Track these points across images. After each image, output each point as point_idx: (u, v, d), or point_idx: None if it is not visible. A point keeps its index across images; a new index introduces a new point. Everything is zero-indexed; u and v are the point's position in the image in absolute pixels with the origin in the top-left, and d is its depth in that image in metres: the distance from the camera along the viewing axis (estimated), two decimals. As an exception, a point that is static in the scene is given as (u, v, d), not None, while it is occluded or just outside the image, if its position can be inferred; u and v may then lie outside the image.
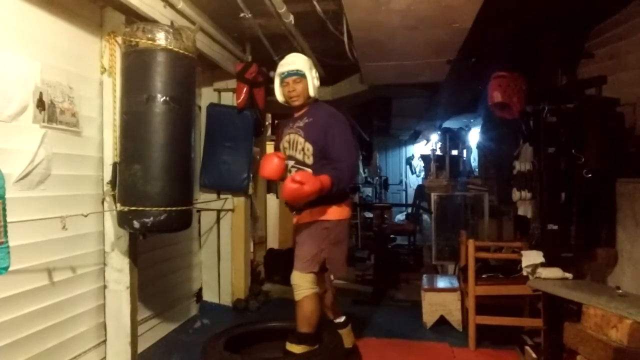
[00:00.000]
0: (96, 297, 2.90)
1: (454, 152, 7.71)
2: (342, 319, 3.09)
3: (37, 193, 2.39)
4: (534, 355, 2.94)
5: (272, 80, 2.95)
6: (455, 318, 3.82)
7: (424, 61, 4.13)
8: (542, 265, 2.80)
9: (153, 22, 2.85)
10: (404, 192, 13.14)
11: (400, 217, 10.17)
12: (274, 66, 2.86)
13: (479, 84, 3.98)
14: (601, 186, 2.85)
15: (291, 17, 3.47)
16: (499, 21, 3.24)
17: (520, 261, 2.98)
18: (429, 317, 3.89)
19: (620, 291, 2.36)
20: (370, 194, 10.35)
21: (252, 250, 5.02)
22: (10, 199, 1.98)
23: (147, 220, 2.64)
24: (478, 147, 6.76)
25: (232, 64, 4.25)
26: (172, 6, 3.07)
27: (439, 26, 3.27)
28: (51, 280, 2.52)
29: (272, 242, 6.12)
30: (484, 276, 3.54)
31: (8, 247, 1.92)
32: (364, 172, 10.31)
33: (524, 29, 3.20)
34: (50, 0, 2.49)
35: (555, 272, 2.72)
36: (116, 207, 2.74)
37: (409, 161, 13.06)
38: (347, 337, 3.06)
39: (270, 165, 2.83)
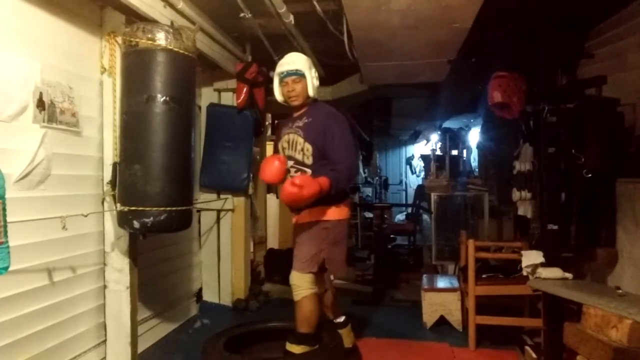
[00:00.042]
0: (96, 297, 2.90)
1: (454, 152, 7.72)
2: (341, 318, 3.09)
3: (37, 193, 2.39)
4: (534, 355, 2.94)
5: (272, 80, 2.94)
6: (455, 318, 3.82)
7: (424, 61, 4.13)
8: (542, 265, 2.80)
9: (153, 22, 2.85)
10: (404, 192, 13.15)
11: (400, 217, 10.18)
12: (274, 66, 2.85)
13: (479, 84, 3.98)
14: (601, 186, 2.85)
15: (291, 17, 3.47)
16: (499, 21, 3.24)
17: (520, 261, 2.97)
18: (429, 317, 3.89)
19: (620, 291, 2.36)
20: (370, 194, 10.35)
21: (252, 250, 5.03)
22: (10, 199, 1.98)
23: (147, 220, 2.64)
24: (478, 147, 6.77)
25: (232, 64, 4.25)
26: (172, 6, 3.07)
27: (439, 26, 3.27)
28: (51, 280, 2.52)
29: (272, 242, 6.12)
30: (484, 276, 3.54)
31: (8, 247, 1.92)
32: (364, 172, 10.31)
33: (524, 29, 3.20)
34: (50, 0, 2.49)
35: (555, 272, 2.71)
36: (116, 207, 2.74)
37: (409, 161, 13.07)
38: (346, 336, 3.06)
39: (271, 168, 2.79)
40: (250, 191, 4.56)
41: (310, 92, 2.80)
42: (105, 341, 2.95)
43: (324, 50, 4.32)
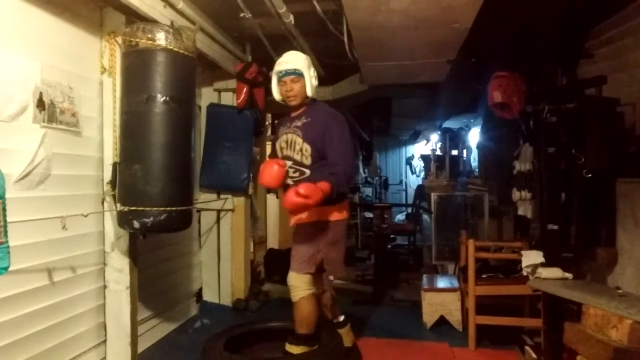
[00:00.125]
0: (96, 297, 2.90)
1: (454, 152, 7.71)
2: (341, 318, 3.09)
3: (37, 193, 2.39)
4: (534, 355, 2.94)
5: (271, 80, 2.93)
6: (455, 318, 3.82)
7: (424, 61, 4.13)
8: (542, 265, 2.80)
9: (153, 22, 2.85)
10: (404, 192, 13.16)
11: (400, 217, 10.18)
12: (273, 66, 2.85)
13: (479, 84, 3.98)
14: (601, 186, 2.85)
15: (291, 17, 3.47)
16: (499, 21, 3.24)
17: (520, 261, 2.97)
18: (429, 317, 3.89)
19: (620, 291, 2.36)
20: (370, 194, 10.35)
21: (252, 250, 5.03)
22: (10, 199, 1.98)
23: (147, 220, 2.64)
24: (478, 147, 6.77)
25: (232, 64, 4.25)
26: (172, 6, 3.07)
27: (439, 26, 3.27)
28: (51, 280, 2.52)
29: (272, 242, 6.13)
30: (484, 276, 3.54)
31: (8, 247, 1.92)
32: (364, 172, 10.32)
33: (524, 29, 3.20)
34: (50, 0, 2.49)
35: (555, 272, 2.71)
36: (116, 207, 2.74)
37: (409, 161, 13.07)
38: (346, 336, 3.06)
39: (270, 173, 2.73)
40: (250, 191, 4.55)
41: (309, 92, 2.77)
42: (105, 341, 2.95)
43: (324, 50, 4.32)
